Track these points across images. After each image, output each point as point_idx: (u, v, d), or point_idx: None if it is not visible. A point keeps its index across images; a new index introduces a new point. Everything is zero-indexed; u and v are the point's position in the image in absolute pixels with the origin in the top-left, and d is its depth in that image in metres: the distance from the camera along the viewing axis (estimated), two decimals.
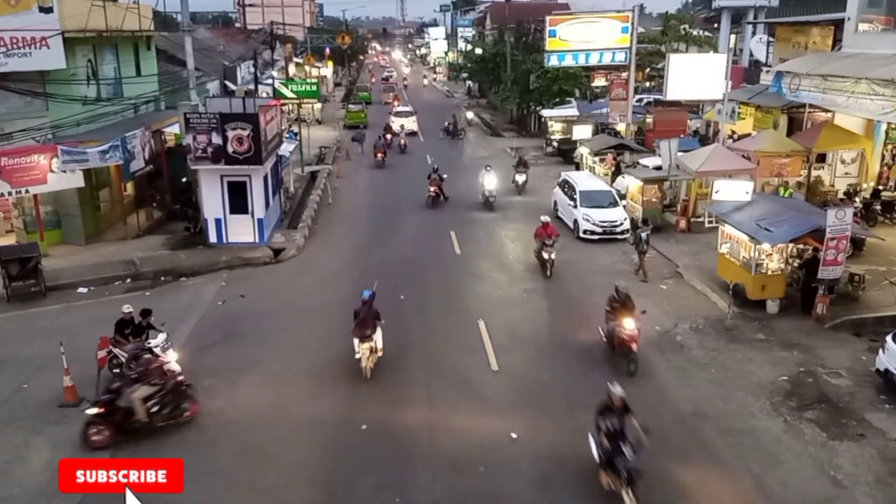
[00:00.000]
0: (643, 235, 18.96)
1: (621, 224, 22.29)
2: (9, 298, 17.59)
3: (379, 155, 35.28)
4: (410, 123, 43.59)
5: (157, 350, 12.51)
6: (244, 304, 17.66)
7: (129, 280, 19.16)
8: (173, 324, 16.05)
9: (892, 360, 12.51)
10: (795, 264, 16.76)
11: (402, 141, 39.29)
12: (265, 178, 21.77)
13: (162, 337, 13.04)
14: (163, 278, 19.40)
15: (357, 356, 13.31)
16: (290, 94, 33.44)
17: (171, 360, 12.50)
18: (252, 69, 35.48)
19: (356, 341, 13.30)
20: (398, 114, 45.10)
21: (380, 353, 13.67)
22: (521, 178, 29.16)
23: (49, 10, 19.99)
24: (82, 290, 18.41)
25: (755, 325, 15.76)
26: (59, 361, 12.64)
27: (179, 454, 8.43)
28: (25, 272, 17.67)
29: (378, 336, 13.54)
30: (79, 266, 19.59)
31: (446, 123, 43.79)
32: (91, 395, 12.52)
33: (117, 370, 12.60)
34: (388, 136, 38.37)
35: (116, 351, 12.87)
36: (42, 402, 12.71)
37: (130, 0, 24.70)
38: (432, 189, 26.98)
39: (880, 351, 12.91)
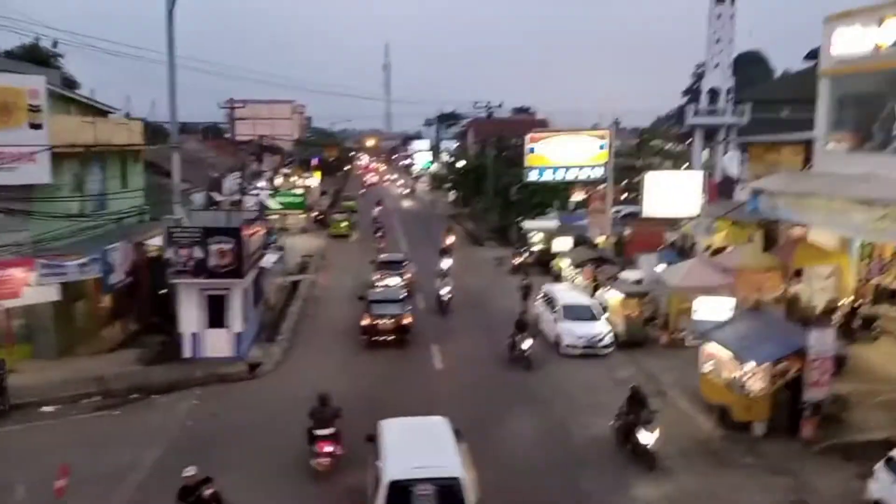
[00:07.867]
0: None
1: (603, 339, 22.12)
2: None
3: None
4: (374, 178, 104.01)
5: None
6: (217, 423, 17.05)
7: (98, 397, 18.49)
8: (140, 449, 15.39)
9: (883, 489, 12.15)
10: (780, 384, 16.55)
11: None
12: (245, 291, 21.61)
13: None
14: (133, 395, 18.75)
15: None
16: (276, 206, 33.87)
17: None
18: (239, 179, 36.15)
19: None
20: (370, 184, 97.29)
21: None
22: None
23: (38, 127, 20.24)
24: (47, 408, 17.69)
25: (742, 448, 15.37)
26: (13, 490, 11.97)
27: None
28: None
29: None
30: (46, 383, 18.88)
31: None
32: None
33: None
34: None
35: None
36: None
37: (122, 115, 25.24)
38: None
39: (871, 480, 12.55)
